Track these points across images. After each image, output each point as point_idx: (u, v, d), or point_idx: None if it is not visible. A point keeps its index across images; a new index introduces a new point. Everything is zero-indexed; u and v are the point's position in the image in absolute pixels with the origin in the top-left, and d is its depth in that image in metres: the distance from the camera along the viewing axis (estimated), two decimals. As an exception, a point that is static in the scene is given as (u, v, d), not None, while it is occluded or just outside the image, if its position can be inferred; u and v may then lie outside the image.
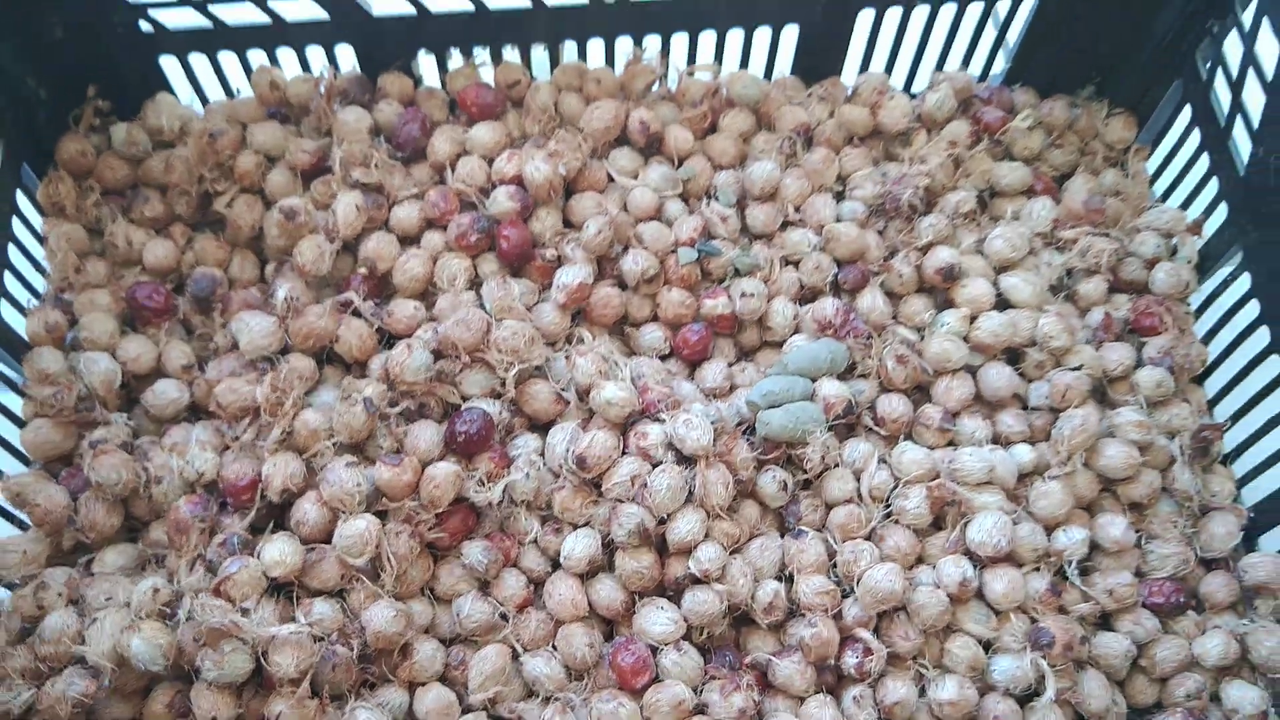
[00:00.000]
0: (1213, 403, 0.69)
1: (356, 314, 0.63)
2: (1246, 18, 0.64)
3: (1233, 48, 0.65)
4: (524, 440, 0.62)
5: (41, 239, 0.67)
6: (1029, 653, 0.58)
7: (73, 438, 0.61)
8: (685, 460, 0.60)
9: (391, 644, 0.55)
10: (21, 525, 0.60)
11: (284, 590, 0.56)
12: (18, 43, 0.64)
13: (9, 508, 0.58)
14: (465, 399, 0.62)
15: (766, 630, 0.60)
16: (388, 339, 0.64)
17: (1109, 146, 0.75)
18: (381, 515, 0.58)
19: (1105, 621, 0.62)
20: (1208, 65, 0.68)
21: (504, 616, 0.58)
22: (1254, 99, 0.63)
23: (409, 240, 0.67)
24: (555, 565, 0.60)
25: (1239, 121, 0.65)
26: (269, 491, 0.57)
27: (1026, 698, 0.58)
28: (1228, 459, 0.67)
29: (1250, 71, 0.63)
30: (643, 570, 0.58)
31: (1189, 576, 0.63)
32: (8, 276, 0.64)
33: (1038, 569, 0.61)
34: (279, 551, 0.55)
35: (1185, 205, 0.72)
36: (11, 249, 0.64)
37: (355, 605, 0.56)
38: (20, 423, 0.62)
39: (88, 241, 0.68)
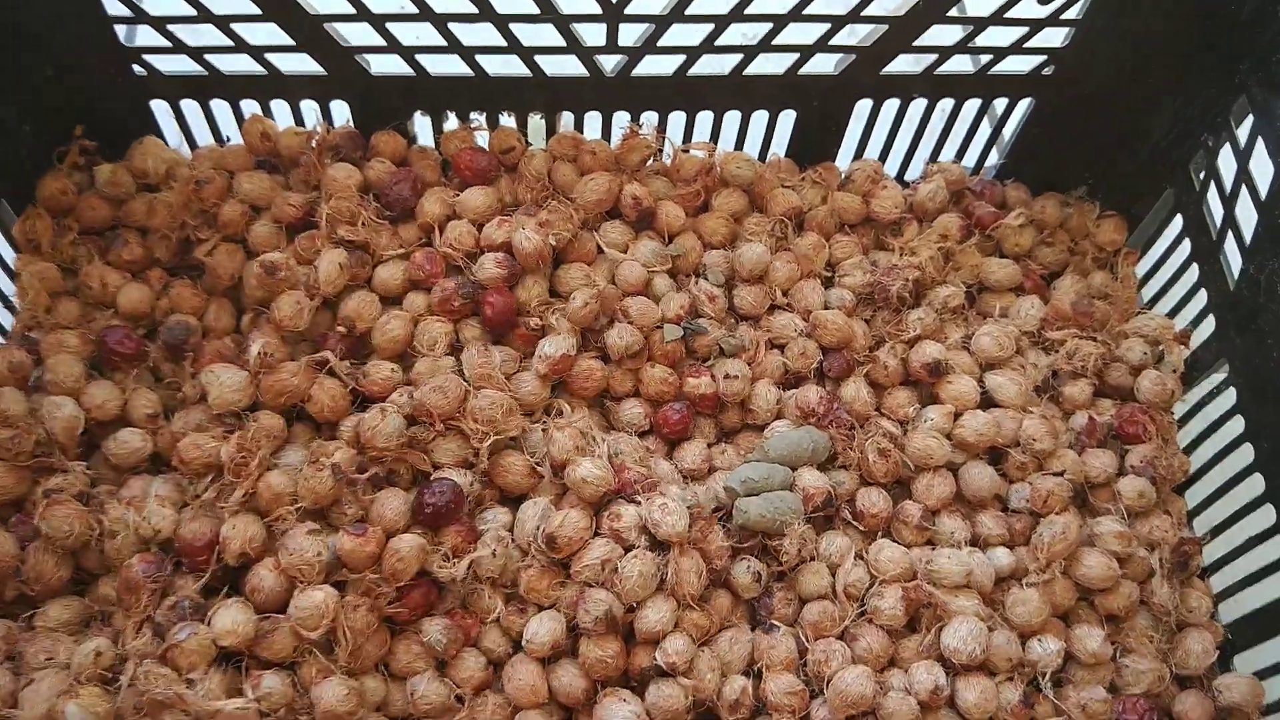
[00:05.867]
0: (1193, 514, 0.68)
1: (331, 373, 0.62)
2: (1242, 133, 0.64)
3: (1227, 162, 0.66)
4: (493, 514, 0.60)
5: (13, 275, 0.66)
6: (999, 768, 0.56)
7: (27, 482, 0.59)
8: (658, 545, 0.58)
9: (341, 724, 0.53)
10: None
11: (233, 660, 0.54)
12: (6, 78, 0.63)
13: (-47, 554, 0.56)
14: (436, 467, 0.60)
15: (731, 727, 0.58)
16: (361, 400, 0.62)
17: (1099, 248, 0.75)
18: (340, 585, 0.56)
19: (1077, 736, 0.61)
20: (1200, 176, 0.68)
21: (459, 699, 0.56)
22: (1246, 214, 0.64)
23: (391, 300, 0.66)
24: (516, 646, 0.58)
25: (1230, 235, 0.65)
26: (226, 554, 0.55)
27: (994, 813, 0.57)
28: (1205, 573, 0.66)
29: (1244, 188, 0.63)
30: (607, 659, 0.56)
31: (1163, 693, 0.61)
32: (-25, 312, 0.62)
33: (1011, 679, 0.59)
34: (231, 620, 0.53)
35: (1173, 313, 0.71)
36: (-18, 284, 0.63)
37: (306, 679, 0.54)
38: (-26, 465, 0.60)
39: (61, 281, 0.66)
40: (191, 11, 0.60)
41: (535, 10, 0.61)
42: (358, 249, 0.66)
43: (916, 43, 0.66)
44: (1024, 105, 0.73)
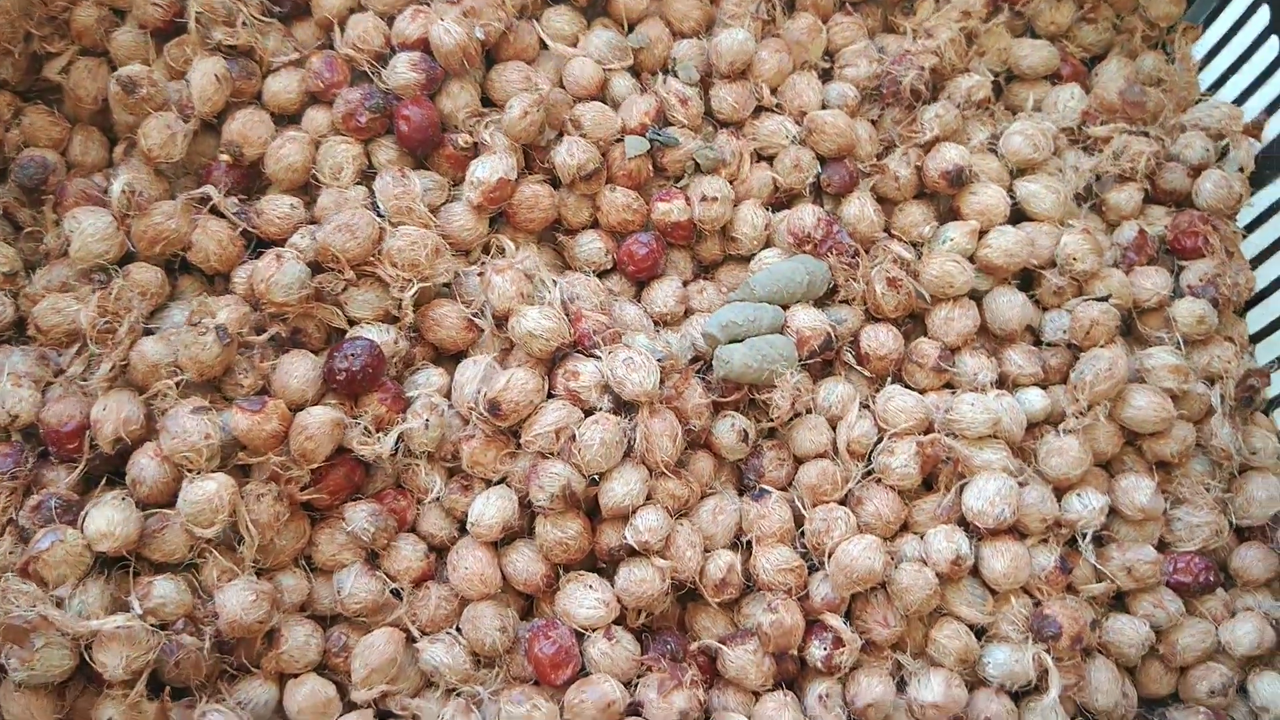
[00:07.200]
0: (1256, 337, 0.58)
1: (216, 213, 0.51)
2: None
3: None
4: (425, 376, 0.51)
5: None
6: (1030, 645, 0.49)
7: None
8: (624, 406, 0.49)
9: (251, 634, 0.45)
10: None
11: (119, 563, 0.45)
12: None
13: None
14: (352, 323, 0.50)
15: (717, 608, 0.50)
16: (256, 245, 0.52)
17: (1150, 24, 0.63)
18: (246, 470, 0.47)
19: (1120, 599, 0.53)
20: (1290, -78, 0.55)
21: (396, 594, 0.48)
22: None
23: (285, 119, 0.56)
24: (462, 529, 0.50)
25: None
26: (99, 440, 0.46)
27: (1023, 692, 0.49)
28: (1270, 407, 0.57)
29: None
30: (568, 540, 0.48)
31: (1220, 548, 0.53)
32: None
33: (1045, 540, 0.51)
34: (106, 521, 0.44)
35: (1241, 100, 0.60)
36: None
37: (209, 581, 0.46)
38: None
39: (-119, 113, 0.54)
40: None
41: None
42: (240, 56, 0.54)
43: None
44: None
